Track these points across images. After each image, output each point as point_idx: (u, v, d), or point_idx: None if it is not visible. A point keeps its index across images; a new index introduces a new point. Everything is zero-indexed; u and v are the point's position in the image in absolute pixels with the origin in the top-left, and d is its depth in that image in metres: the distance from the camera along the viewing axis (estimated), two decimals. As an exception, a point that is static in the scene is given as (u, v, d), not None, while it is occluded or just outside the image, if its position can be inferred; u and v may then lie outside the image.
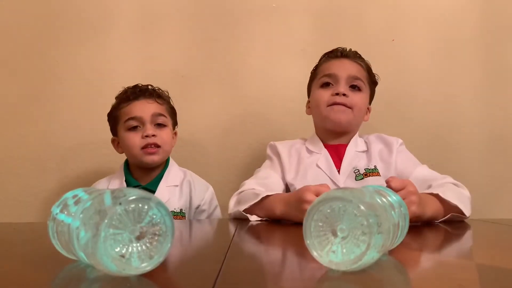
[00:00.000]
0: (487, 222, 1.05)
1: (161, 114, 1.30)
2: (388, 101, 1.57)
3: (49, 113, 1.54)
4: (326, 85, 1.24)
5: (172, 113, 1.37)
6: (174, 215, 1.29)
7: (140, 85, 1.33)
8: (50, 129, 1.54)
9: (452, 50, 1.66)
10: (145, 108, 1.28)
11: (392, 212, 0.54)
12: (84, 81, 1.55)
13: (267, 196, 1.04)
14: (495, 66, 1.67)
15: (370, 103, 1.31)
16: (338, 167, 1.21)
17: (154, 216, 0.47)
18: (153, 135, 1.27)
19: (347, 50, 1.30)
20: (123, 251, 0.45)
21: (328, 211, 0.49)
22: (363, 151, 1.24)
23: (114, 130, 1.35)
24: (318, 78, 1.27)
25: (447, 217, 0.99)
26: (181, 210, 1.31)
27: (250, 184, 1.16)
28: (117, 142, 1.34)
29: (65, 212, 0.53)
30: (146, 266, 0.46)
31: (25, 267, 0.59)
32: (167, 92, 1.37)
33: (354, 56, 1.28)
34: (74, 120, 1.55)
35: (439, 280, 0.49)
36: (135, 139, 1.27)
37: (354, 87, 1.23)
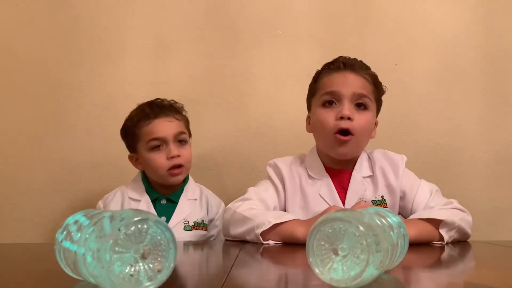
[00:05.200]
0: (490, 244, 1.06)
1: (182, 132, 1.31)
2: (391, 125, 1.59)
3: (64, 136, 1.60)
4: (328, 103, 1.13)
5: (188, 125, 1.37)
6: (197, 226, 1.32)
7: (157, 100, 1.33)
8: (66, 151, 1.60)
9: (455, 73, 1.69)
10: (167, 128, 1.29)
11: (391, 233, 0.56)
12: (97, 105, 1.62)
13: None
14: (498, 89, 1.69)
15: (377, 116, 1.21)
16: (343, 197, 1.13)
17: (154, 234, 0.49)
18: (178, 156, 1.28)
19: (350, 60, 1.16)
20: (131, 271, 0.47)
21: (330, 231, 0.51)
22: (369, 176, 1.16)
23: (132, 147, 1.33)
24: (320, 94, 1.15)
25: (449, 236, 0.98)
26: (202, 221, 1.33)
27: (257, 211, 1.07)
28: (136, 159, 1.34)
29: (69, 239, 0.54)
30: (155, 282, 0.49)
31: (36, 286, 0.61)
32: (182, 104, 1.37)
33: (359, 68, 1.15)
34: (88, 142, 1.60)
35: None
36: (161, 161, 1.28)
37: (360, 105, 1.13)
